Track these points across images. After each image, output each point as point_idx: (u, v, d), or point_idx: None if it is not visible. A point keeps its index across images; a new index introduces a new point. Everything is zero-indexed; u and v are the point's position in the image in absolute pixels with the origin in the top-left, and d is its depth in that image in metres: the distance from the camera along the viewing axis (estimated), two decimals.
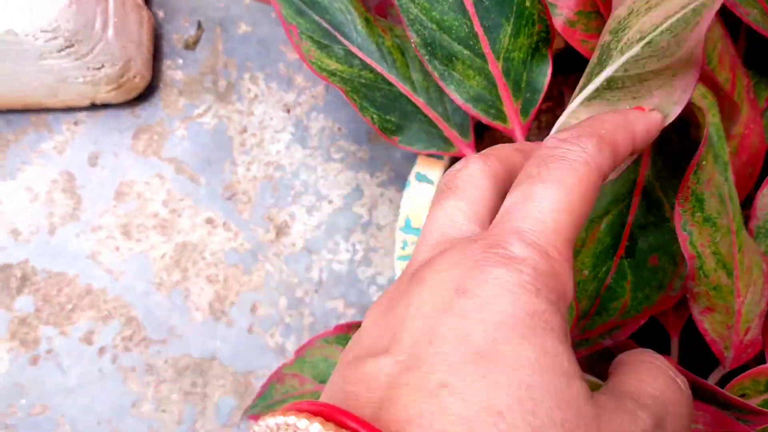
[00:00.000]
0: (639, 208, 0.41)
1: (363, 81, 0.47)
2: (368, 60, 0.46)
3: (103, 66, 0.56)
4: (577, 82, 0.40)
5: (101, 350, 0.62)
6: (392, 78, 0.47)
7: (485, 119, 0.43)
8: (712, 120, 0.37)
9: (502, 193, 0.26)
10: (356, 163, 0.65)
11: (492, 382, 0.18)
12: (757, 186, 0.43)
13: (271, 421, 0.19)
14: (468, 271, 0.20)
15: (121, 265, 0.63)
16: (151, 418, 0.61)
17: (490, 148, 0.29)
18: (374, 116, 0.47)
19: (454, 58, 0.42)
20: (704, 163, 0.38)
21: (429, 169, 0.52)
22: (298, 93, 0.66)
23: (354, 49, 0.47)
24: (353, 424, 0.17)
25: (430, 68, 0.43)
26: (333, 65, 0.47)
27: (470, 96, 0.43)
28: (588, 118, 0.27)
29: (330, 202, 0.64)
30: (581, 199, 0.22)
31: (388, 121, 0.47)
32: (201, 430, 0.61)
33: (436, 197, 0.26)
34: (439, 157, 0.53)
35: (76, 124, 0.65)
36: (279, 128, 0.65)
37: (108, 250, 0.63)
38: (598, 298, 0.41)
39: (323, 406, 0.18)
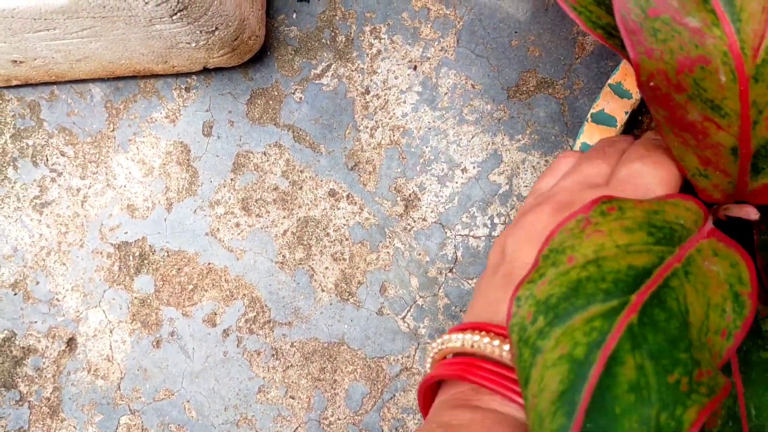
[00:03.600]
0: None
1: None
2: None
3: (216, 29, 0.51)
4: None
5: (225, 332, 0.58)
6: None
7: None
8: None
9: None
10: (493, 124, 0.57)
11: None
12: None
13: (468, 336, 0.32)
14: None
15: (241, 242, 0.59)
16: (280, 405, 0.57)
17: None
18: None
19: None
20: None
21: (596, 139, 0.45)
22: (425, 46, 0.59)
23: None
24: None
25: None
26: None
27: None
28: None
29: (464, 170, 0.57)
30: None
31: None
32: (331, 418, 0.57)
33: (588, 154, 0.39)
34: (610, 124, 0.45)
35: (187, 90, 0.61)
36: (405, 88, 0.58)
37: (227, 227, 0.59)
38: None
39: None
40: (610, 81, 0.44)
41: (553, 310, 0.27)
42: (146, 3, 0.45)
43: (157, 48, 0.52)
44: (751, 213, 0.33)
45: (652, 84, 0.31)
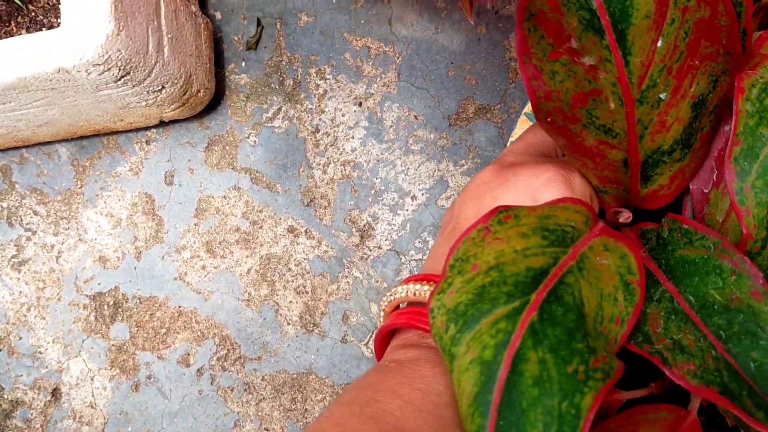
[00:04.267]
0: None
1: None
2: None
3: (163, 88, 0.54)
4: None
5: (199, 371, 0.61)
6: None
7: None
8: None
9: None
10: (438, 152, 0.60)
11: None
12: None
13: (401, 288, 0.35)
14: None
15: (208, 284, 0.62)
16: None
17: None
18: None
19: None
20: None
21: None
22: (368, 83, 0.61)
23: None
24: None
25: None
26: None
27: None
28: None
29: (413, 197, 0.60)
30: None
31: None
32: None
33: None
34: None
35: (147, 142, 0.64)
36: (352, 124, 0.61)
37: (194, 270, 0.62)
38: None
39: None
40: (525, 110, 0.47)
41: (462, 317, 0.28)
42: (89, 73, 0.48)
43: (110, 109, 0.56)
44: (624, 216, 0.36)
45: (549, 119, 0.33)
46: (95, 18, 0.47)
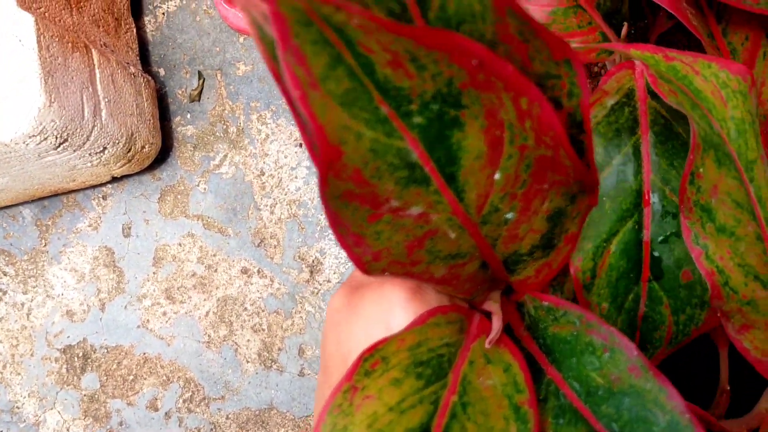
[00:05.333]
0: (653, 219, 0.36)
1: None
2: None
3: (105, 149, 0.57)
4: None
5: (167, 415, 0.63)
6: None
7: None
8: (732, 114, 0.32)
9: None
10: None
11: None
12: None
13: None
14: None
15: (170, 329, 0.64)
16: None
17: None
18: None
19: None
20: (701, 169, 0.33)
21: None
22: None
23: None
24: None
25: None
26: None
27: None
28: None
29: None
30: None
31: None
32: None
33: None
34: None
35: (104, 198, 0.67)
36: (294, 164, 0.64)
37: (155, 317, 0.64)
38: (637, 331, 0.37)
39: None
40: None
41: None
42: (27, 144, 0.51)
43: (59, 172, 0.59)
44: (492, 306, 0.32)
45: (387, 273, 0.29)
46: (26, 92, 0.50)
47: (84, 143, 0.55)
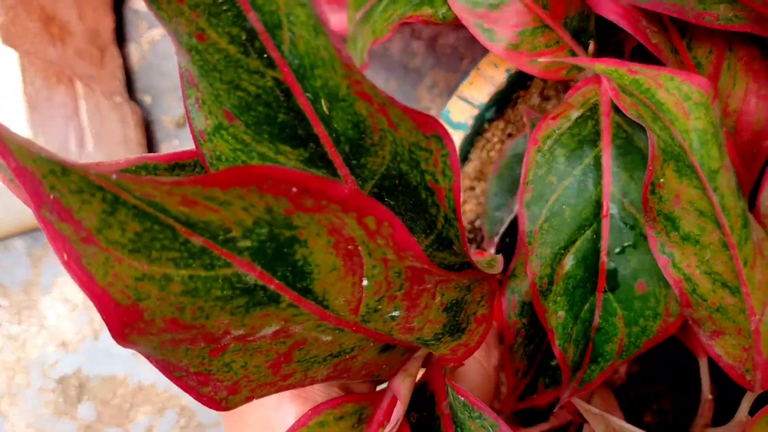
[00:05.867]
0: (611, 230, 0.36)
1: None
2: None
3: None
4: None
5: None
6: None
7: None
8: (695, 125, 0.32)
9: None
10: None
11: None
12: (764, 170, 0.38)
13: None
14: None
15: None
16: None
17: None
18: None
19: None
20: (662, 180, 0.33)
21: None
22: None
23: None
24: None
25: None
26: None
27: None
28: None
29: None
30: None
31: None
32: None
33: None
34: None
35: None
36: None
37: None
38: (590, 342, 0.37)
39: None
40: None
41: None
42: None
43: None
44: (399, 386, 0.27)
45: (255, 398, 0.24)
46: (12, 127, 0.50)
47: None
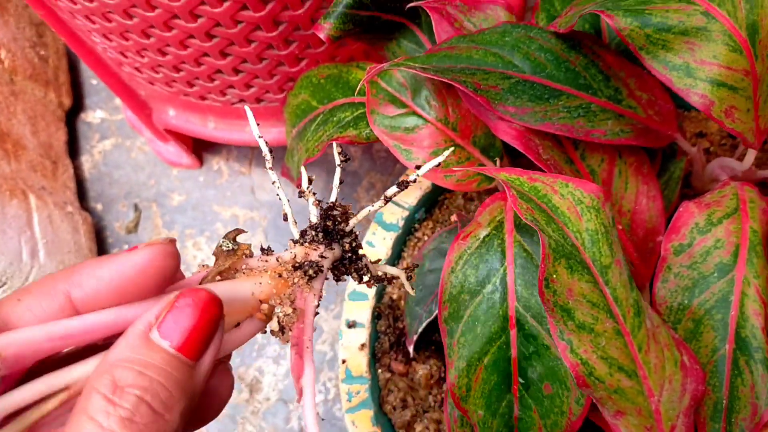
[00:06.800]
0: (518, 341, 0.41)
1: None
2: None
3: None
4: None
5: None
6: None
7: None
8: (587, 226, 0.37)
9: None
10: None
11: None
12: (658, 263, 0.43)
13: None
14: None
15: None
16: None
17: None
18: None
19: None
20: (554, 275, 0.37)
21: (357, 313, 0.53)
22: None
23: None
24: None
25: None
26: None
27: None
28: None
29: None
30: None
31: None
32: None
33: None
34: (363, 299, 0.53)
35: None
36: None
37: None
38: (515, 429, 0.40)
39: None
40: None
41: None
42: None
43: None
44: None
45: None
46: None
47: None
